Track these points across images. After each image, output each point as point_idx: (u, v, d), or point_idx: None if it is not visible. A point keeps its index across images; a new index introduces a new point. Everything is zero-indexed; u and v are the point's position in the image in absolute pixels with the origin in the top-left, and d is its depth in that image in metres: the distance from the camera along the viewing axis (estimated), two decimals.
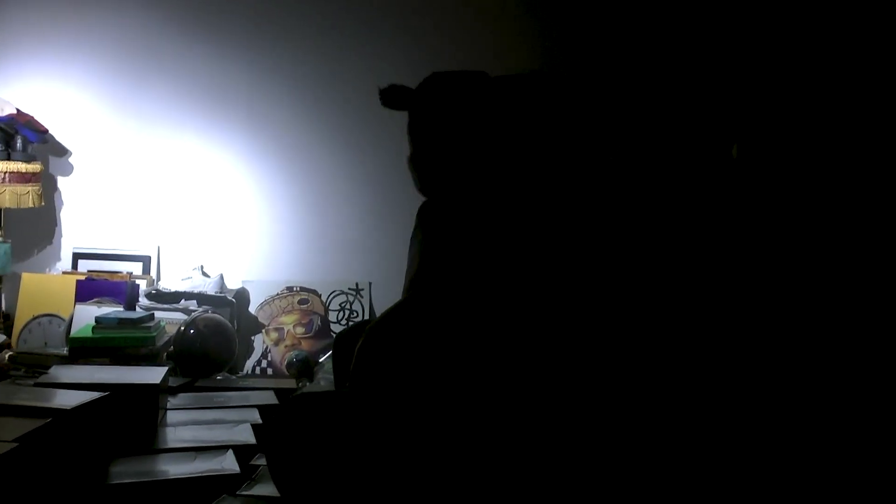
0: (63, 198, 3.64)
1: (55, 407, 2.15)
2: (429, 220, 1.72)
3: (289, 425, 1.85)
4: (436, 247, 1.67)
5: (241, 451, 2.34)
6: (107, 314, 3.07)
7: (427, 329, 1.61)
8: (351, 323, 3.51)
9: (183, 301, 3.40)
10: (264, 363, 3.46)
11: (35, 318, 3.40)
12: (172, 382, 2.93)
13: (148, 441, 2.39)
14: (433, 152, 1.87)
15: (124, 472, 2.18)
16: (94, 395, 2.30)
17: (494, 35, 3.53)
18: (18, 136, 3.37)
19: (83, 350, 2.96)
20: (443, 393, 1.59)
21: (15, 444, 1.90)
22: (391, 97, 1.96)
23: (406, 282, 1.79)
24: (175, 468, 2.23)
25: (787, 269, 3.16)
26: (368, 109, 3.15)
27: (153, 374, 2.57)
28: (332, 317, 3.54)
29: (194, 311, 3.34)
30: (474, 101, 1.92)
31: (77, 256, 3.60)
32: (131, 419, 2.40)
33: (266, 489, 2.12)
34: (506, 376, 1.58)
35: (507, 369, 1.58)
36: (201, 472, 2.18)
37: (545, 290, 1.62)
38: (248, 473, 2.23)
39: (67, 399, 2.24)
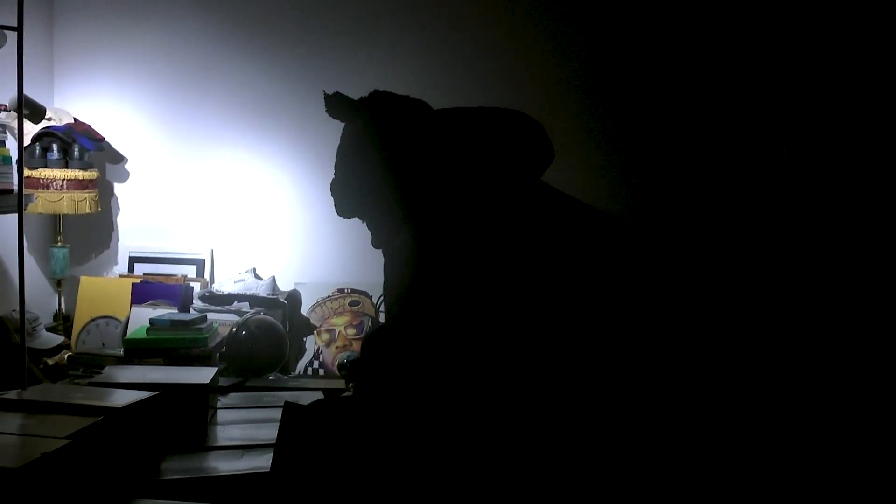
0: (119, 203, 3.73)
1: (107, 405, 2.21)
2: (423, 233, 1.71)
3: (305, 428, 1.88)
4: (431, 259, 1.67)
5: None
6: (161, 316, 3.14)
7: (428, 339, 1.62)
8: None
9: (236, 303, 3.46)
10: (316, 364, 3.50)
11: (93, 319, 3.49)
12: (224, 382, 2.98)
13: (198, 439, 2.44)
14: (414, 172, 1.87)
15: (174, 469, 2.23)
16: (145, 394, 2.36)
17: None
18: (76, 145, 3.46)
19: (138, 351, 3.03)
20: (443, 397, 1.60)
21: (67, 441, 1.96)
22: (336, 106, 1.97)
23: (392, 295, 1.79)
24: (223, 465, 2.28)
25: (835, 265, 3.12)
26: None
27: (203, 375, 2.62)
28: (383, 318, 3.57)
29: (246, 312, 3.39)
30: (432, 124, 1.92)
31: (133, 260, 3.68)
32: (182, 417, 2.45)
33: None
34: (504, 380, 1.58)
35: (506, 372, 1.59)
36: (248, 470, 2.23)
37: (548, 292, 1.62)
38: None
39: (119, 398, 2.30)
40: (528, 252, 1.66)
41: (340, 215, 2.05)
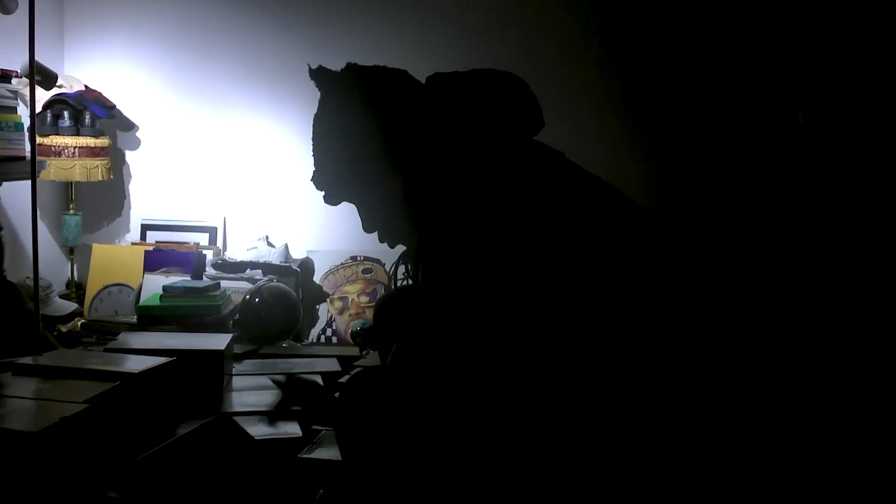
0: (131, 171, 3.72)
1: (124, 371, 2.22)
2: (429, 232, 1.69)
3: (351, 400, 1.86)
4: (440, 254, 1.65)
5: (303, 415, 2.38)
6: (174, 283, 3.14)
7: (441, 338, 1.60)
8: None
9: (248, 270, 3.45)
10: (329, 332, 3.50)
11: (105, 287, 3.49)
12: (237, 350, 2.98)
13: (213, 405, 2.44)
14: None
15: None
16: (161, 360, 2.36)
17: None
18: (87, 112, 3.44)
19: (151, 318, 3.03)
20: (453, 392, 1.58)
21: (85, 405, 1.97)
22: (323, 79, 1.94)
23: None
24: None
25: (852, 247, 3.06)
26: None
27: (218, 341, 2.62)
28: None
29: (259, 280, 3.38)
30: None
31: (145, 228, 3.68)
32: (197, 383, 2.45)
33: (327, 453, 2.15)
34: (508, 376, 1.57)
35: (509, 369, 1.57)
36: (264, 436, 2.23)
37: (555, 286, 1.59)
38: (309, 437, 2.27)
39: (135, 364, 2.31)
40: (527, 216, 1.62)
41: (329, 203, 2.01)
